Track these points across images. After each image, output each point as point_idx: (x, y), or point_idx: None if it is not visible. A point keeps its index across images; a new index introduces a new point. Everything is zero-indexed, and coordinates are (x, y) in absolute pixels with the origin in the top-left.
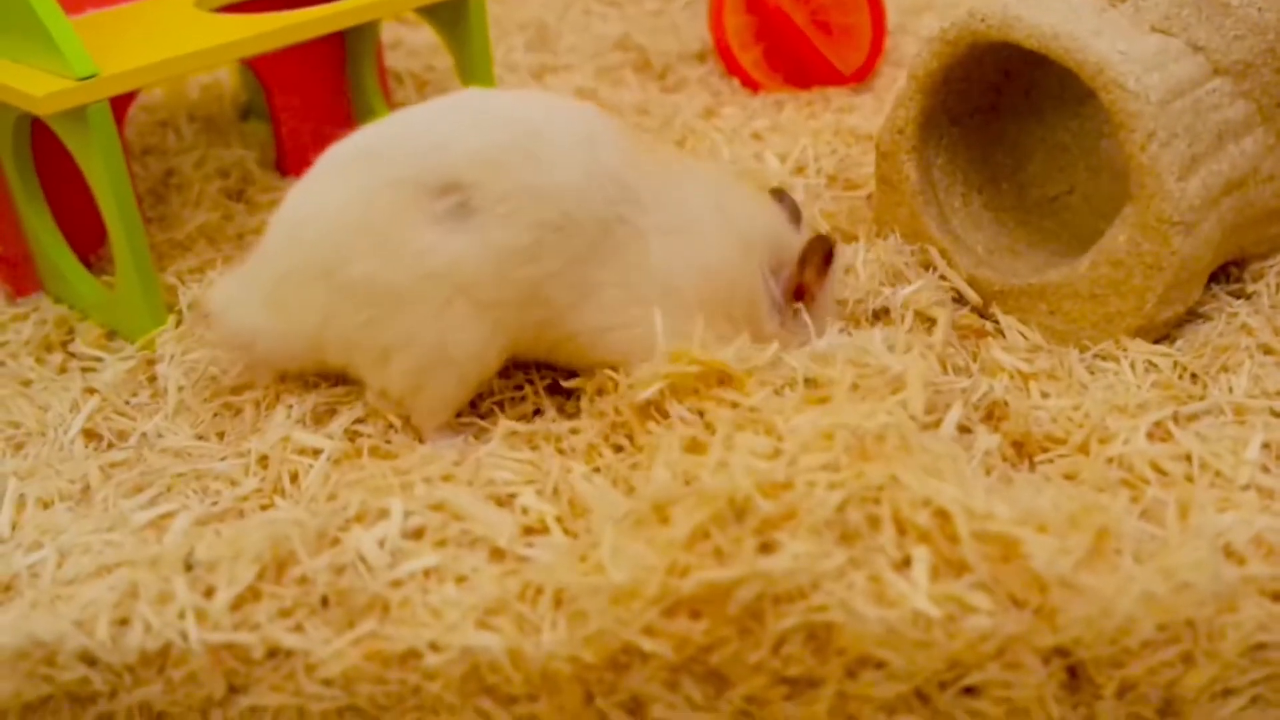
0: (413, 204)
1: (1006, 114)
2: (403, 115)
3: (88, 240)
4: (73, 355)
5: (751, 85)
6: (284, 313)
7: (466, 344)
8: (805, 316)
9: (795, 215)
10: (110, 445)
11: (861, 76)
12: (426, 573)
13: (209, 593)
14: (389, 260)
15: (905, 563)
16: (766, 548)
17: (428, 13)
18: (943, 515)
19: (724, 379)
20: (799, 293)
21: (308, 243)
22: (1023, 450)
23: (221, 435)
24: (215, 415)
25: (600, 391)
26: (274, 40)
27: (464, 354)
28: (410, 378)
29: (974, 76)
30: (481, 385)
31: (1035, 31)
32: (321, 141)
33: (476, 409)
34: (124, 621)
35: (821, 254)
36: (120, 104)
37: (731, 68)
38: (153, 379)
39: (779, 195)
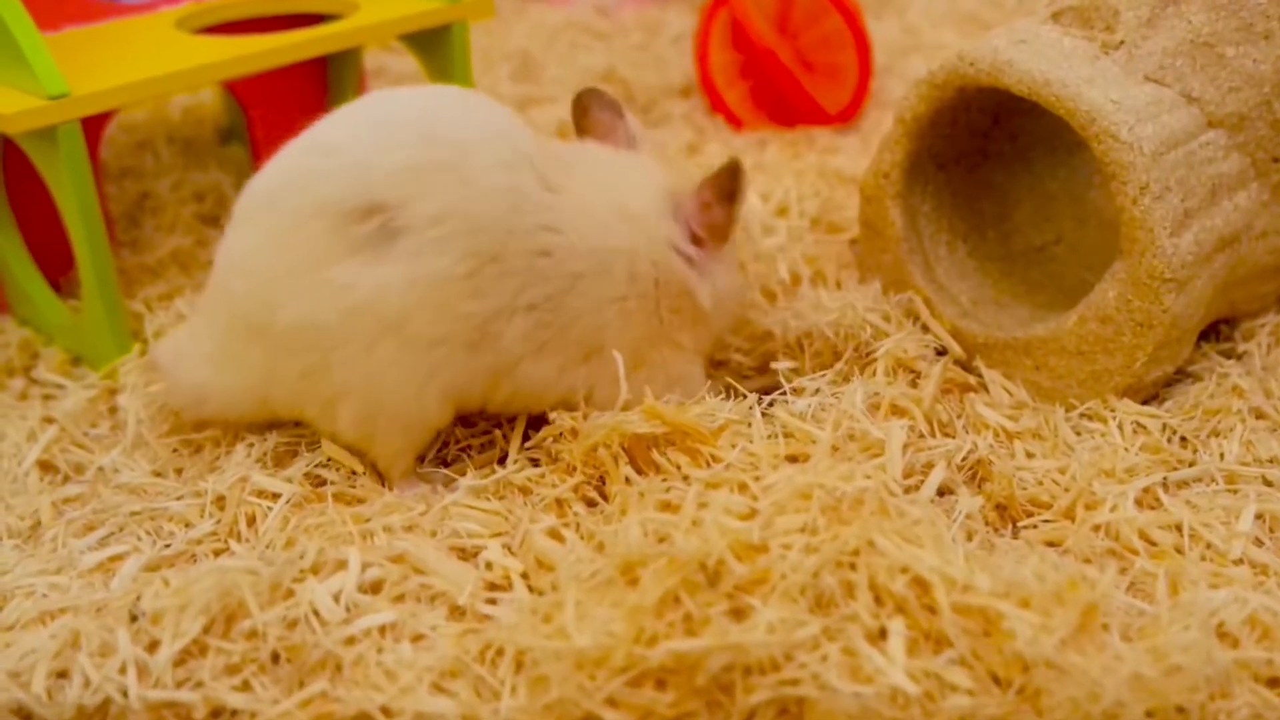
0: (332, 233)
1: (994, 160)
2: (312, 136)
3: (57, 262)
4: (35, 381)
5: (735, 123)
6: (228, 371)
7: (397, 389)
8: (720, 256)
9: (618, 114)
10: (66, 479)
11: (847, 117)
12: (382, 630)
13: (152, 646)
14: (315, 300)
15: (881, 634)
16: (738, 614)
17: (410, 40)
18: (921, 584)
19: (693, 436)
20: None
21: (237, 297)
22: (1006, 514)
23: (180, 472)
24: (174, 451)
25: (561, 436)
26: (253, 64)
27: (396, 401)
28: (359, 427)
29: (962, 121)
30: (436, 431)
31: (1026, 78)
32: None
33: (443, 454)
34: (63, 674)
35: (731, 183)
36: (96, 124)
37: (716, 104)
38: (114, 410)
39: (594, 99)
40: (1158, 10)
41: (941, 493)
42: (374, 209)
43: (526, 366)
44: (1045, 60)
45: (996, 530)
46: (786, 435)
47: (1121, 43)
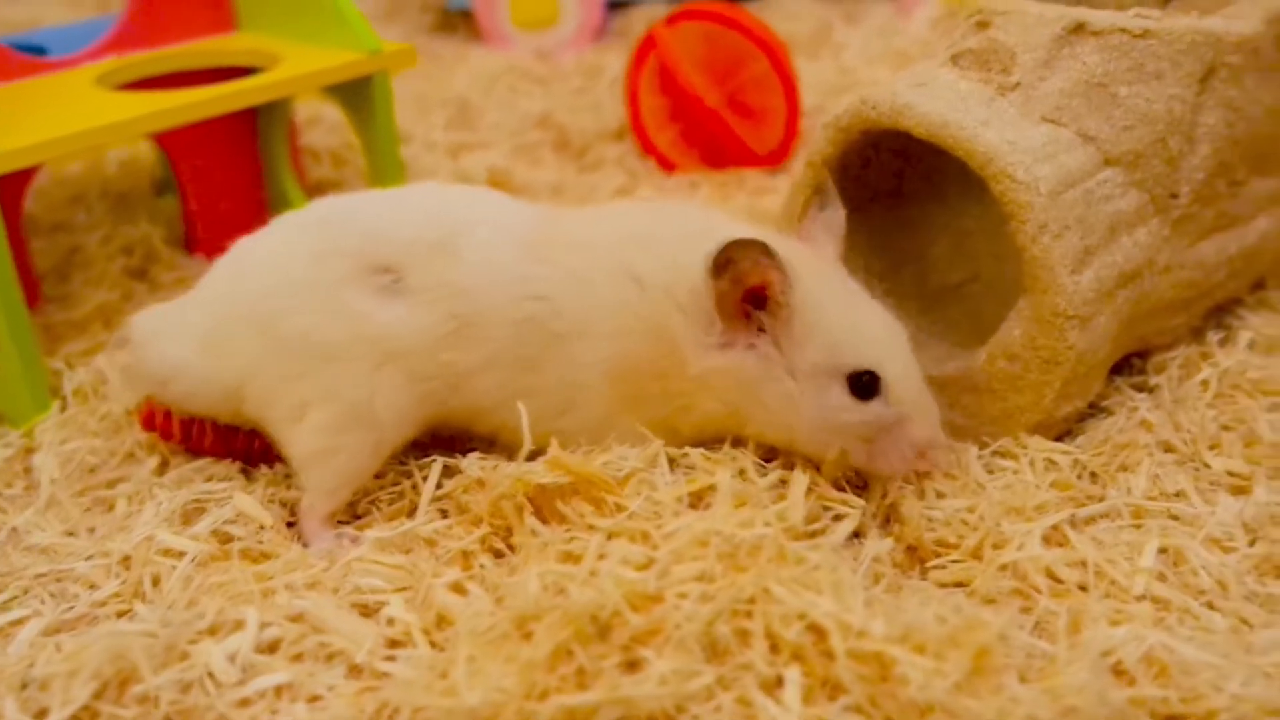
0: (354, 271)
1: (909, 199)
2: (360, 196)
3: None
4: None
5: (667, 166)
6: (213, 356)
7: (393, 407)
8: (779, 329)
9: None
10: None
11: (778, 159)
12: (278, 690)
13: (41, 714)
14: (329, 318)
15: (777, 682)
16: (633, 665)
17: (334, 91)
18: (817, 631)
19: (598, 485)
20: (755, 304)
21: (252, 292)
22: (915, 555)
23: (92, 531)
24: (87, 510)
25: (469, 488)
26: (172, 118)
27: (389, 416)
28: (322, 437)
29: (873, 162)
30: (387, 459)
31: (924, 120)
32: (231, 219)
33: (353, 508)
34: None
35: (724, 262)
36: (18, 180)
37: (647, 148)
38: (29, 469)
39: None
40: (1053, 52)
41: (851, 537)
42: (387, 269)
43: (503, 414)
44: (943, 102)
45: (905, 572)
46: (689, 479)
47: (1018, 84)
